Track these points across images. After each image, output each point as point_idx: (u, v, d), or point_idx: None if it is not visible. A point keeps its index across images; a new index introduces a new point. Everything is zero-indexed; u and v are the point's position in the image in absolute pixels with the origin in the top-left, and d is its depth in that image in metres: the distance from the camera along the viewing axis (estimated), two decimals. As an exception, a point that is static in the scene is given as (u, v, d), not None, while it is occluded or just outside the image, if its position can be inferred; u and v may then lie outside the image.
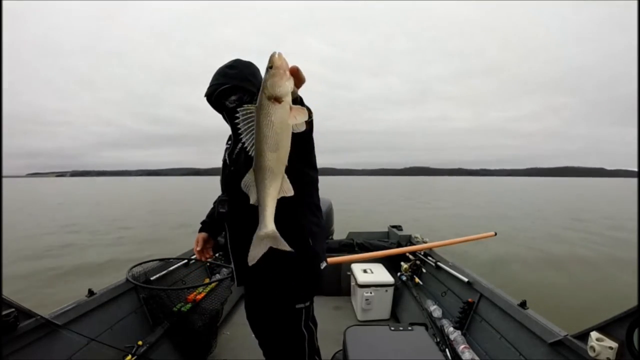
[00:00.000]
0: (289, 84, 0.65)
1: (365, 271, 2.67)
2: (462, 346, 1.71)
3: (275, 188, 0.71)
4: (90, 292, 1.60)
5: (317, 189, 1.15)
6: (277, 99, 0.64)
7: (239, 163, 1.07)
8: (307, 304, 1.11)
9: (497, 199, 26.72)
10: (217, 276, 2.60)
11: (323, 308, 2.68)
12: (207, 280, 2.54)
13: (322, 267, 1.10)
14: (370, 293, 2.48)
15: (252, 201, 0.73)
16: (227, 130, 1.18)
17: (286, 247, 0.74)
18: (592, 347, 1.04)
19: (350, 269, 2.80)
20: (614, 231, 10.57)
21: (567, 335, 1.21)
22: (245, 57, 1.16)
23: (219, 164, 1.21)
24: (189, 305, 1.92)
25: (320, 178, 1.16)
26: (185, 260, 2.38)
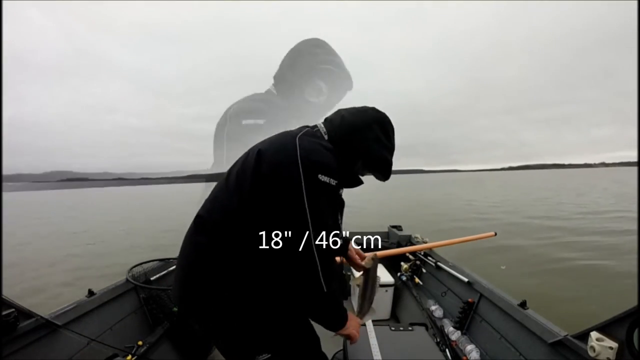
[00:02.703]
0: None
1: (365, 271, 2.66)
2: (462, 346, 1.72)
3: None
4: (90, 292, 1.59)
5: None
6: None
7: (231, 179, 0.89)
8: (269, 356, 0.93)
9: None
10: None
11: None
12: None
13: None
14: (371, 293, 2.48)
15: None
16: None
17: None
18: (592, 347, 1.04)
19: (350, 269, 2.80)
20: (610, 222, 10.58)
21: (567, 335, 1.21)
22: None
23: None
24: (189, 306, 1.93)
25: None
26: None
